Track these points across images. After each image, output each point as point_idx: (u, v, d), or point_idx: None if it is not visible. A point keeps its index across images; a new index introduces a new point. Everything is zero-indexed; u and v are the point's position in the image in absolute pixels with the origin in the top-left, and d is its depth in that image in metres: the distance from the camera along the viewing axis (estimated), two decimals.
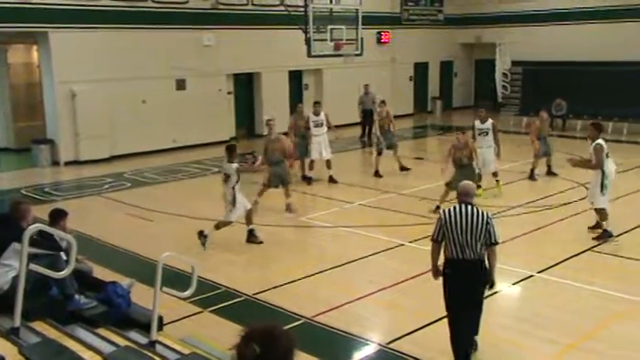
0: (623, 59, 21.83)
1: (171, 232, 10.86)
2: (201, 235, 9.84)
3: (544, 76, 23.15)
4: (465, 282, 5.95)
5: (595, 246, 9.54)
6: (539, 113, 14.76)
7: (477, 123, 13.15)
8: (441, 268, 6.10)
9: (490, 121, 13.16)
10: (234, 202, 9.67)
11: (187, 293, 5.75)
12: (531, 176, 14.26)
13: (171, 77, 18.90)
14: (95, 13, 17.20)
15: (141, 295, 6.47)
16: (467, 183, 6.27)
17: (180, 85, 19.18)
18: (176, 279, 6.69)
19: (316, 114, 14.34)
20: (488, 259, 5.97)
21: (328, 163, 14.30)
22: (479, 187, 11.80)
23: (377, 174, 14.76)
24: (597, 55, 22.42)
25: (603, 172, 9.61)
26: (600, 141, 9.71)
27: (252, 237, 10.08)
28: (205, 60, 19.40)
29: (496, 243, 5.91)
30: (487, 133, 13.01)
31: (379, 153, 14.89)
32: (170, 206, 12.50)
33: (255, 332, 2.51)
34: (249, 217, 10.07)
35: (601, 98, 21.09)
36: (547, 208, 11.88)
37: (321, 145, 14.19)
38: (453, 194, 10.27)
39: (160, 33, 18.33)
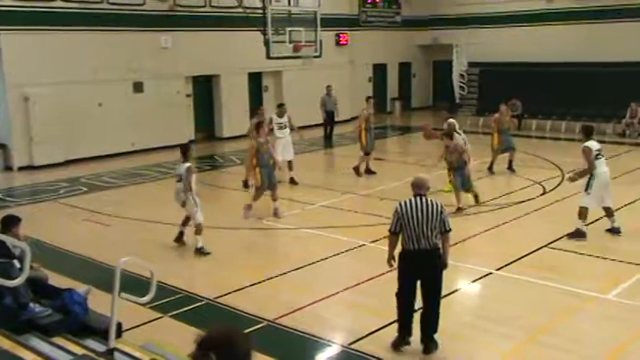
0: (576, 60, 22.43)
1: (130, 237, 10.70)
2: (199, 251, 9.64)
3: (500, 77, 23.55)
4: (421, 271, 6.26)
5: (551, 243, 9.75)
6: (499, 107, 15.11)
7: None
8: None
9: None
10: (194, 202, 9.57)
11: (146, 298, 5.67)
12: (490, 168, 14.67)
13: (129, 80, 18.63)
14: (48, 15, 16.83)
15: (99, 302, 6.35)
16: (420, 176, 6.54)
17: (138, 87, 18.92)
18: (135, 284, 6.59)
19: (280, 115, 14.30)
20: (443, 245, 6.31)
21: (290, 165, 14.29)
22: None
23: (357, 171, 14.91)
24: (552, 56, 23.00)
25: (591, 173, 9.74)
26: (588, 143, 9.79)
27: (181, 239, 10.04)
28: (163, 62, 19.18)
29: (449, 230, 6.27)
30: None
31: (367, 153, 14.92)
32: (129, 210, 12.32)
33: (211, 338, 2.49)
34: (187, 220, 9.98)
35: (555, 98, 21.64)
36: (506, 206, 12.08)
37: (284, 147, 14.16)
38: None
39: (116, 35, 18.05)
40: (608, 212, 10.12)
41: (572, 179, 10.31)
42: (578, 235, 9.85)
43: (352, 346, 6.67)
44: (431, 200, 6.27)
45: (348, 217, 11.62)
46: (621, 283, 8.09)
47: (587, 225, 9.97)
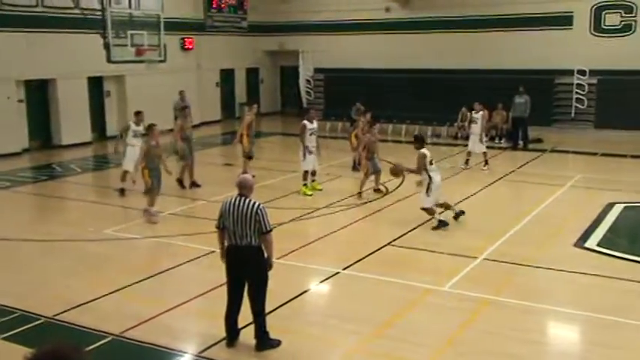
0: (414, 67, 23.90)
1: None
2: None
3: (344, 83, 24.48)
4: (242, 266, 6.47)
5: (393, 240, 10.27)
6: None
7: (309, 124, 13.62)
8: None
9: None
10: None
11: None
12: (354, 167, 15.68)
13: None
14: None
15: None
16: (244, 177, 6.82)
17: None
18: None
19: (137, 124, 13.71)
20: (264, 246, 6.46)
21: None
22: None
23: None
24: (391, 62, 24.32)
25: (430, 178, 10.74)
26: (423, 150, 10.88)
27: None
28: None
29: (268, 231, 6.40)
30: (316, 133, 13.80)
31: (249, 158, 14.82)
32: None
33: (37, 357, 2.34)
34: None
35: (395, 103, 22.87)
36: (352, 207, 12.54)
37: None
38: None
39: None
40: (446, 205, 11.15)
41: (418, 183, 11.26)
42: (441, 226, 10.80)
43: (203, 354, 6.58)
44: (250, 200, 6.45)
45: (197, 224, 11.43)
46: (456, 275, 8.71)
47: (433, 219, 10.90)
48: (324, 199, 13.08)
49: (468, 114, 17.73)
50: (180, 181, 14.06)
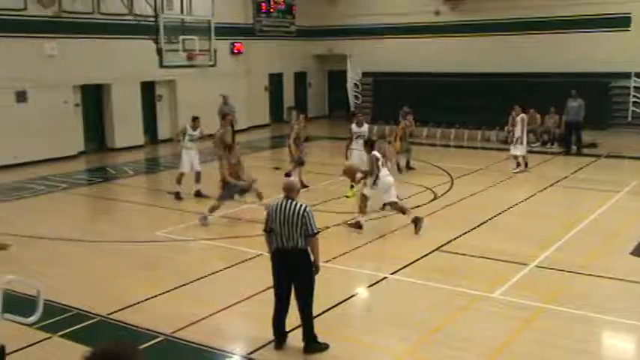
0: (463, 71, 23.63)
1: (16, 255, 10.09)
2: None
3: (392, 86, 24.38)
4: (289, 269, 6.49)
5: (442, 246, 10.16)
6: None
7: (354, 127, 14.09)
8: None
9: (366, 125, 14.42)
10: None
11: (33, 319, 5.39)
12: (399, 169, 15.73)
13: (11, 88, 17.61)
14: None
15: None
16: (290, 179, 6.91)
17: (21, 97, 17.92)
18: (20, 304, 6.23)
19: (194, 129, 13.94)
20: (310, 249, 6.48)
21: (197, 176, 13.99)
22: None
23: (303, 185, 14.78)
24: (439, 66, 24.10)
25: (377, 177, 10.98)
26: (375, 152, 11.20)
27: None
28: (49, 70, 18.31)
29: (314, 234, 6.42)
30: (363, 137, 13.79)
31: (300, 164, 14.76)
32: (12, 227, 11.62)
33: (98, 354, 2.42)
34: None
35: (444, 107, 22.63)
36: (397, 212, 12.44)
37: (193, 159, 13.90)
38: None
39: None
40: (401, 210, 11.22)
41: (360, 180, 11.67)
42: (356, 226, 11.07)
43: (252, 356, 6.64)
44: (297, 203, 6.48)
45: (247, 228, 11.55)
46: (506, 281, 8.55)
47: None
48: (370, 203, 12.99)
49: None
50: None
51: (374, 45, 26.17)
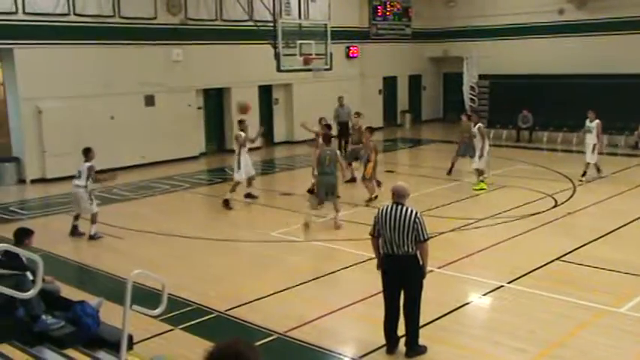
0: (587, 72, 22.35)
1: (141, 250, 10.74)
2: (93, 237, 11.27)
3: (510, 89, 23.55)
4: (400, 275, 6.43)
5: (563, 255, 9.69)
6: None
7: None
8: None
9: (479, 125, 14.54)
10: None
11: (158, 311, 5.68)
12: (449, 172, 15.88)
13: (140, 93, 18.77)
14: (61, 29, 17.00)
15: (110, 314, 6.38)
16: (401, 184, 6.70)
17: (149, 101, 19.06)
18: (147, 297, 6.61)
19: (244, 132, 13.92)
20: (420, 255, 6.38)
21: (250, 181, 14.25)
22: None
23: (353, 179, 15.07)
24: (562, 68, 22.96)
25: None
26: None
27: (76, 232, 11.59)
28: (174, 75, 19.33)
29: (424, 240, 6.30)
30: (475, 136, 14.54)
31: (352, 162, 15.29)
32: (140, 223, 12.37)
33: (219, 351, 2.50)
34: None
35: (566, 110, 21.51)
36: (517, 219, 12.01)
37: (247, 163, 13.96)
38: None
39: (128, 49, 18.22)
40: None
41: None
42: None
43: (363, 359, 6.64)
44: (407, 208, 6.40)
45: (358, 230, 11.56)
46: (635, 296, 8.01)
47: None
48: (485, 210, 12.67)
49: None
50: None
51: (491, 46, 25.36)
